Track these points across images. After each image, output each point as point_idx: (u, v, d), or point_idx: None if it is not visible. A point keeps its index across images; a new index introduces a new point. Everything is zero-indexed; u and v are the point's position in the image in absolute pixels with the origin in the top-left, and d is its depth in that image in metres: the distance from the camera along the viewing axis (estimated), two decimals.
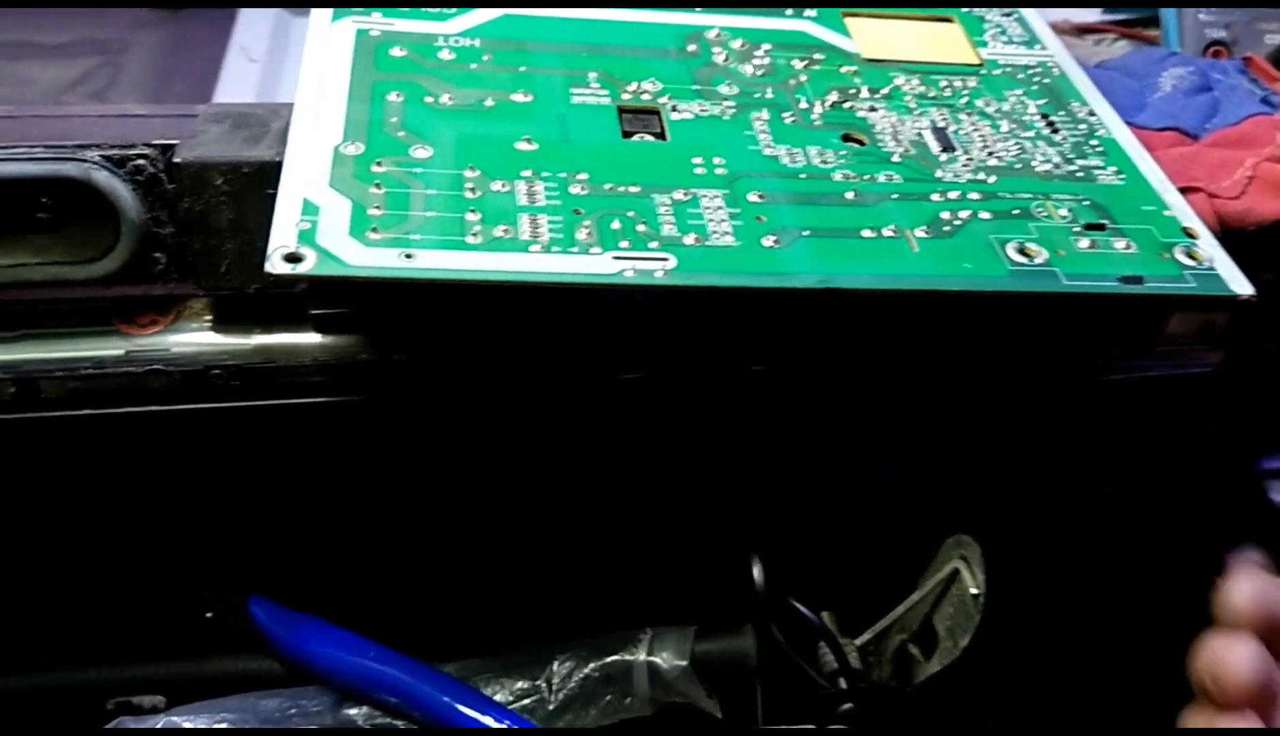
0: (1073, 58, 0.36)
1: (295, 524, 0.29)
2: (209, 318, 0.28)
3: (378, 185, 0.26)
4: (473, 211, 0.26)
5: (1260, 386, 0.32)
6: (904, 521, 0.31)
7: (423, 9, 0.32)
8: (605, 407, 0.28)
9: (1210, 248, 0.28)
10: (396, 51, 0.31)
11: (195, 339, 0.28)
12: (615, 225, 0.26)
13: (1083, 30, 0.48)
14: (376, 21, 0.32)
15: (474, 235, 0.25)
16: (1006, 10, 0.37)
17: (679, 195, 0.27)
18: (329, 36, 0.31)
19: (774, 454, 0.31)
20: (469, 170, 0.27)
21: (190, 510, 0.29)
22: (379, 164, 0.27)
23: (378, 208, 0.25)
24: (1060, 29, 0.48)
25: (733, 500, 0.30)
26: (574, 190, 0.27)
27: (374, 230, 0.25)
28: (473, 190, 0.26)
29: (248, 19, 0.44)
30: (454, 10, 0.33)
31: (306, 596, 0.30)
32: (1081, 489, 0.32)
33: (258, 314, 0.28)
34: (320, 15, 0.32)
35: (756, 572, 0.29)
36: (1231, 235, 0.31)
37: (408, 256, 0.24)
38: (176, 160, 0.26)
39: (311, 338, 0.28)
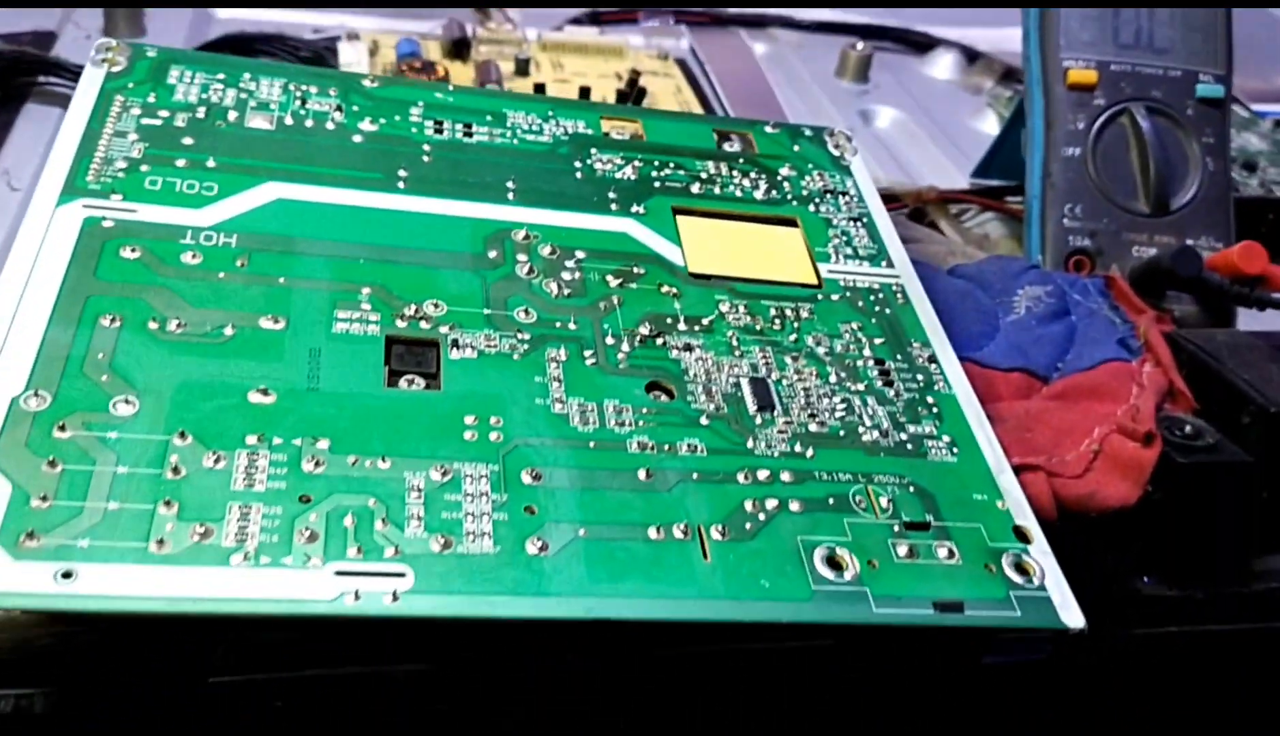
0: (919, 276, 0.32)
1: None
2: None
3: (53, 461, 0.21)
4: (168, 502, 0.21)
5: (1095, 678, 0.29)
6: None
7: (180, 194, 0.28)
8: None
9: (1042, 557, 0.25)
10: (128, 252, 0.26)
11: None
12: (348, 521, 0.22)
13: (945, 199, 0.45)
14: (114, 206, 0.27)
15: (160, 542, 0.20)
16: (858, 212, 0.34)
17: (436, 475, 0.23)
18: (49, 226, 0.26)
19: None
20: (178, 437, 0.22)
21: None
22: (63, 427, 0.22)
23: (44, 497, 0.21)
24: (924, 198, 0.45)
25: None
26: (307, 466, 0.23)
27: (30, 535, 0.20)
28: (176, 470, 0.22)
29: (20, 138, 0.39)
30: (216, 193, 0.28)
31: None
32: None
33: None
34: (44, 194, 0.27)
35: None
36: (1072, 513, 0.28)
37: (66, 576, 0.20)
38: None
39: None
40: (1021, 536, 0.25)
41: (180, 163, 0.29)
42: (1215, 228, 0.38)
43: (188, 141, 0.29)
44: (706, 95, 0.53)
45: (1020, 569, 0.25)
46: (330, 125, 0.31)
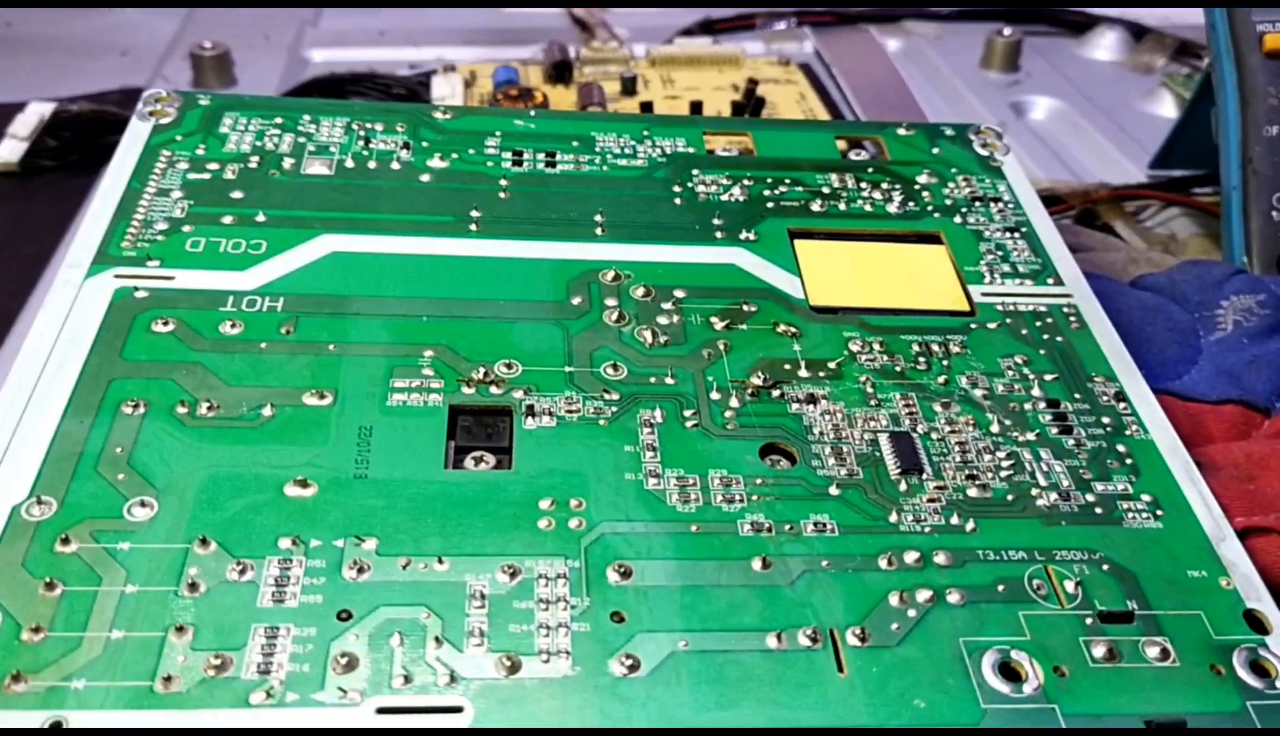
0: (1095, 293, 0.27)
1: None
2: None
3: (51, 583, 0.18)
4: (180, 629, 0.18)
5: None
6: None
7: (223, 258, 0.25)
8: None
9: None
10: (161, 326, 0.23)
11: None
12: (395, 642, 0.18)
13: (1119, 195, 0.39)
14: (149, 274, 0.24)
15: (167, 679, 0.17)
16: (1014, 221, 0.28)
17: (503, 576, 0.19)
18: (74, 300, 0.23)
19: None
20: (199, 545, 0.19)
21: None
22: (67, 540, 0.19)
23: (37, 628, 0.17)
24: (1094, 197, 0.39)
25: None
26: (348, 574, 0.19)
27: (17, 676, 0.17)
28: (193, 586, 0.18)
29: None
30: (265, 251, 0.25)
31: None
32: None
33: None
34: (72, 265, 0.24)
35: None
36: None
37: (55, 726, 0.16)
38: None
39: None
40: (1257, 624, 0.20)
41: (227, 219, 0.25)
42: None
43: (237, 195, 0.26)
44: (835, 101, 0.48)
45: (1258, 669, 0.19)
46: (396, 165, 0.28)
